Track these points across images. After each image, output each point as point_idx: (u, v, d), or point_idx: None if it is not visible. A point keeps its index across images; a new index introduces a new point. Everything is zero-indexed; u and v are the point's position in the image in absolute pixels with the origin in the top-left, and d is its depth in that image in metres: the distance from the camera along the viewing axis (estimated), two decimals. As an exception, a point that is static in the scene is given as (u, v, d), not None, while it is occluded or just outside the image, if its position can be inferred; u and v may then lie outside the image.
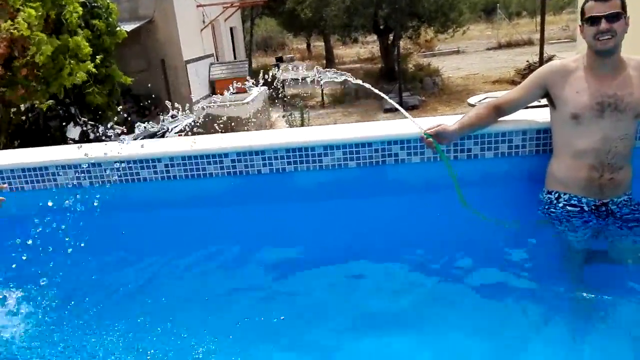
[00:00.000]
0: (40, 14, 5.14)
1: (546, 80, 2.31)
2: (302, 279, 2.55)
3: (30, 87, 5.11)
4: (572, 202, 2.28)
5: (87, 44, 5.62)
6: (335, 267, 2.59)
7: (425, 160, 2.64)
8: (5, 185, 2.38)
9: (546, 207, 2.38)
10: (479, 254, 2.53)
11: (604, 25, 2.07)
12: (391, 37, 15.37)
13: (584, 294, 2.20)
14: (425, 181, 2.68)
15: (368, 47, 25.11)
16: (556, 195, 2.33)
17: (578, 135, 2.20)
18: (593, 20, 2.10)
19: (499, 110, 2.48)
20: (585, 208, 2.27)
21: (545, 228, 2.44)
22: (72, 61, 5.41)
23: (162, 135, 6.25)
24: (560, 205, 2.31)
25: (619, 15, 2.07)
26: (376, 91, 2.44)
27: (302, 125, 9.99)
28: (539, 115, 2.54)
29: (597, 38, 2.09)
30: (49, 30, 5.32)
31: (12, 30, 4.81)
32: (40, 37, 5.00)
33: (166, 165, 2.82)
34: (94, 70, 5.74)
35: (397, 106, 2.42)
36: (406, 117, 2.47)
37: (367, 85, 2.54)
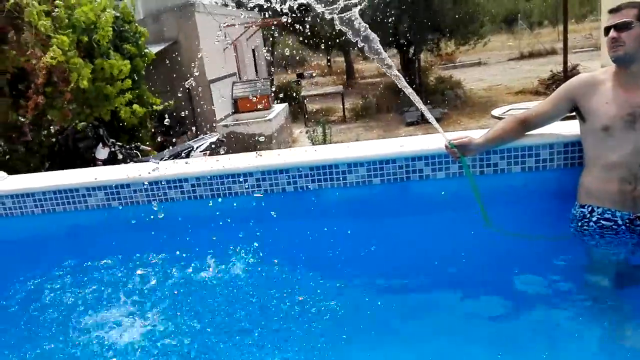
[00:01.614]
0: (71, 39, 5.33)
1: (574, 92, 2.28)
2: (325, 295, 2.53)
3: (74, 111, 5.31)
4: (606, 215, 2.23)
5: (125, 62, 5.80)
6: (360, 284, 2.58)
7: (451, 176, 2.62)
8: None
9: (579, 222, 2.32)
10: (504, 271, 2.50)
11: (612, 34, 2.14)
12: (412, 51, 15.38)
13: (613, 310, 2.15)
14: (450, 197, 2.66)
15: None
16: (589, 209, 2.28)
17: (609, 148, 2.17)
18: (606, 31, 2.18)
19: (526, 123, 2.45)
20: (619, 222, 2.21)
21: (573, 242, 2.39)
22: (111, 84, 5.61)
23: (188, 154, 6.37)
24: (594, 219, 2.26)
25: (628, 25, 2.09)
26: (418, 102, 2.38)
27: (324, 140, 10.03)
28: (566, 128, 2.50)
29: (609, 47, 2.16)
30: (82, 55, 5.51)
31: (49, 60, 4.98)
32: (79, 63, 5.17)
33: (192, 185, 2.86)
34: (130, 94, 5.96)
35: (427, 113, 2.39)
36: (435, 126, 2.45)
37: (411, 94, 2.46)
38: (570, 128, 2.48)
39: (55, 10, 5.35)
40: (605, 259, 2.31)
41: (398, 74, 2.27)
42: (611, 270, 2.32)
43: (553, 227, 2.50)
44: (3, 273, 2.80)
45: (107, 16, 5.84)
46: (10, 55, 5.08)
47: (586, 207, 2.30)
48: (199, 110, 10.16)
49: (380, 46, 2.11)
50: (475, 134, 2.48)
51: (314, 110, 15.79)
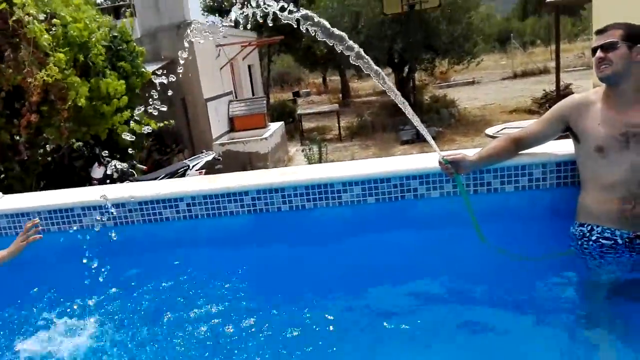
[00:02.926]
0: (68, 57, 5.37)
1: (566, 114, 2.31)
2: (321, 314, 2.52)
3: (70, 129, 5.32)
4: (606, 234, 2.23)
5: (120, 82, 5.84)
6: (355, 302, 2.57)
7: (445, 195, 2.64)
8: (40, 235, 2.47)
9: (579, 241, 2.32)
10: (499, 290, 2.50)
11: (598, 54, 2.18)
12: (406, 70, 15.55)
13: (612, 328, 2.14)
14: (445, 216, 2.67)
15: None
16: (589, 227, 2.29)
17: (605, 168, 2.18)
18: (593, 51, 2.22)
19: (519, 143, 2.48)
20: (619, 241, 2.21)
21: (569, 260, 2.39)
22: (107, 102, 5.65)
23: (184, 173, 6.37)
24: (594, 238, 2.26)
25: (614, 45, 2.13)
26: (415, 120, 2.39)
27: (320, 158, 10.06)
28: (559, 147, 2.53)
29: (596, 67, 2.19)
30: (78, 73, 5.55)
31: (45, 78, 5.01)
32: (76, 81, 5.21)
33: (188, 205, 2.86)
34: (127, 113, 6.00)
35: (422, 128, 2.41)
36: (429, 142, 2.46)
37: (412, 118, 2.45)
38: (563, 147, 2.51)
39: (53, 29, 5.40)
40: (604, 277, 2.31)
41: (393, 87, 2.30)
42: (610, 288, 2.32)
43: (546, 244, 2.51)
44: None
45: (97, 35, 5.89)
46: (6, 73, 5.10)
47: (585, 225, 2.30)
48: (195, 128, 10.18)
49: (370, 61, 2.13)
50: (469, 152, 2.50)
51: (310, 128, 15.86)
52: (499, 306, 2.41)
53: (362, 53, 2.05)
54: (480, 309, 2.43)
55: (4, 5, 4.99)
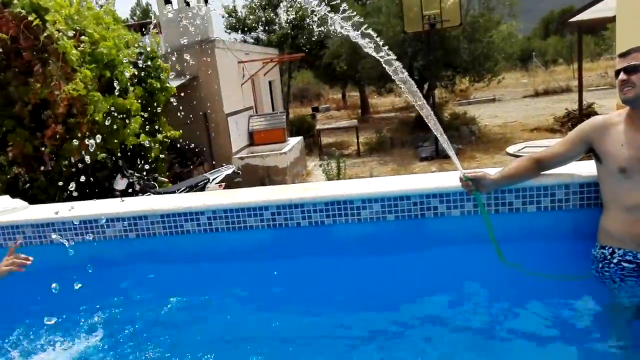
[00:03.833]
0: (94, 74, 5.52)
1: (589, 135, 2.30)
2: (339, 330, 2.52)
3: (91, 143, 5.46)
4: (628, 257, 2.20)
5: (136, 101, 6.00)
6: (372, 319, 2.56)
7: (465, 214, 2.63)
8: (20, 241, 2.35)
9: (600, 264, 2.29)
10: (518, 311, 2.47)
11: (621, 76, 2.18)
12: (426, 87, 15.56)
13: (633, 352, 2.10)
14: (465, 235, 2.65)
15: (403, 96, 25.44)
16: (610, 250, 2.25)
17: (628, 190, 2.16)
18: (616, 74, 2.22)
19: (541, 163, 2.46)
20: None
21: (592, 283, 2.35)
22: (124, 118, 5.79)
23: (204, 186, 6.44)
24: (615, 261, 2.23)
25: (638, 68, 2.13)
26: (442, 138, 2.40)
27: (338, 173, 10.07)
28: (582, 168, 2.50)
29: (619, 89, 2.19)
30: (102, 89, 5.70)
31: (71, 92, 5.16)
32: (97, 97, 5.36)
33: (209, 218, 2.90)
34: (152, 127, 6.16)
35: (448, 144, 2.42)
36: (452, 158, 2.46)
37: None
38: (586, 169, 2.48)
39: (82, 46, 5.57)
40: (625, 300, 2.27)
41: (425, 104, 2.34)
42: (631, 312, 2.28)
43: (569, 266, 2.47)
44: (21, 303, 2.83)
45: (124, 53, 6.06)
46: (34, 87, 5.27)
47: (607, 248, 2.27)
48: (215, 142, 10.32)
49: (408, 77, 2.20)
50: (490, 171, 2.50)
51: (329, 143, 15.92)
52: (518, 328, 2.38)
53: (401, 69, 2.14)
54: (499, 330, 2.40)
55: (37, 21, 5.17)
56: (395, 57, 2.16)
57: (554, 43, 37.47)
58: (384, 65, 2.15)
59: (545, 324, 2.38)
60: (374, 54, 2.12)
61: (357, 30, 2.03)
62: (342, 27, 2.03)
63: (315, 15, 2.01)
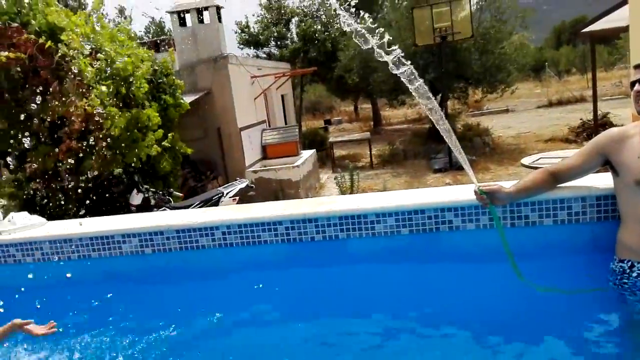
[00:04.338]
0: (111, 90, 5.63)
1: (605, 147, 2.28)
2: (353, 344, 2.51)
3: (108, 157, 5.56)
4: None
5: (157, 114, 6.10)
6: (386, 333, 2.55)
7: (481, 228, 2.61)
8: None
9: (619, 277, 2.26)
10: (535, 325, 2.42)
11: (637, 88, 2.18)
12: (439, 98, 15.55)
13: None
14: (481, 249, 2.63)
15: (415, 108, 25.43)
16: (629, 264, 2.23)
17: None
18: (632, 85, 2.22)
19: (557, 176, 2.44)
20: None
21: (610, 297, 2.31)
22: (144, 132, 5.88)
23: (218, 200, 6.49)
24: (634, 274, 2.20)
25: None
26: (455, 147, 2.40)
27: (351, 186, 10.06)
28: (599, 181, 2.48)
29: (635, 100, 2.19)
30: (120, 104, 5.81)
31: (86, 107, 5.27)
32: (113, 112, 5.46)
33: (223, 233, 2.91)
34: (166, 142, 6.25)
35: (463, 156, 2.41)
36: (466, 170, 2.44)
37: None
38: (603, 181, 2.45)
39: (97, 63, 5.69)
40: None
41: (442, 115, 2.34)
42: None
43: (586, 280, 2.44)
44: (41, 317, 2.86)
45: (142, 69, 6.16)
46: (52, 105, 5.38)
47: (625, 261, 2.24)
48: (229, 157, 10.39)
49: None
50: (506, 184, 2.48)
51: (342, 156, 15.93)
52: (534, 343, 2.34)
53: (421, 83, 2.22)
54: (516, 346, 2.36)
55: (49, 43, 5.29)
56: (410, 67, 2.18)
57: (566, 53, 37.25)
58: (398, 75, 2.17)
59: (562, 339, 2.34)
60: (395, 69, 2.14)
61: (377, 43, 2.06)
62: (362, 39, 2.05)
63: (337, 22, 2.03)
